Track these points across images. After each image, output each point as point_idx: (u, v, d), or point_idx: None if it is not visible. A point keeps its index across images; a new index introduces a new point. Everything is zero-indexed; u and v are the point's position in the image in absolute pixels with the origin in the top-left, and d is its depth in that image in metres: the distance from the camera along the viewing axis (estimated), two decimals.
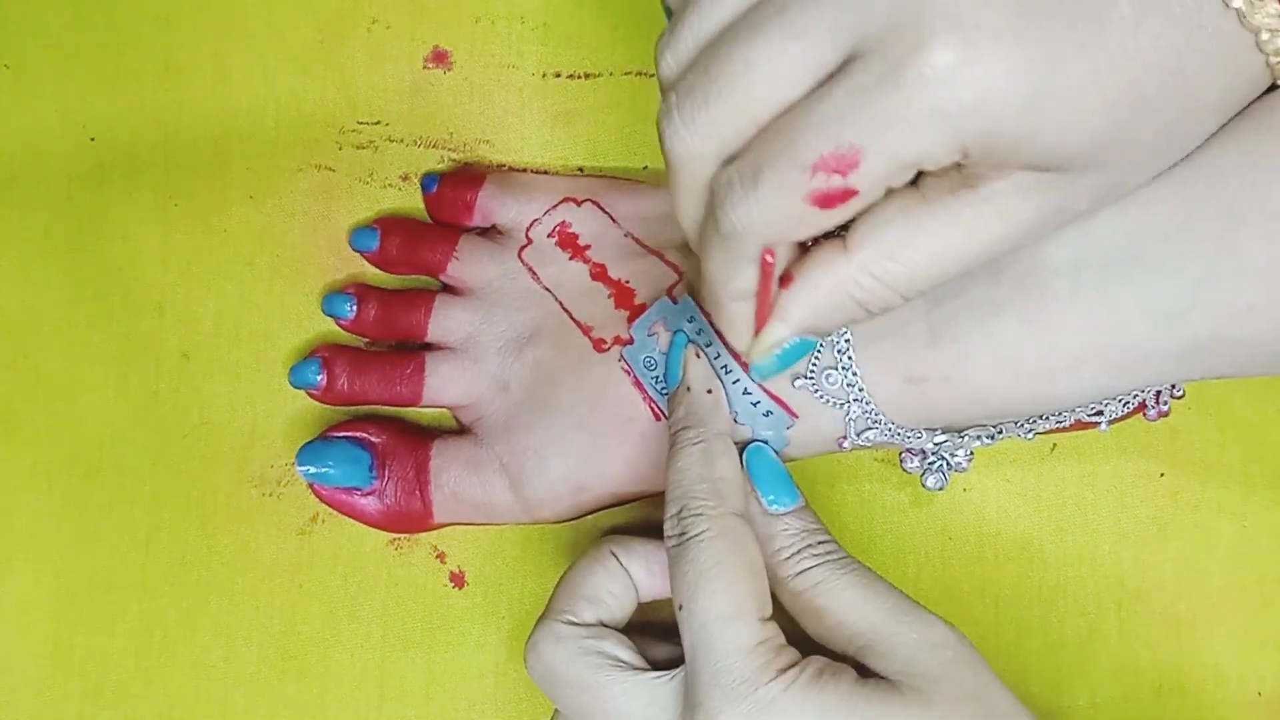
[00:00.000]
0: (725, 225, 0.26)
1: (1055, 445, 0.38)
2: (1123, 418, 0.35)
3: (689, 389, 0.34)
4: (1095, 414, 0.35)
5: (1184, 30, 0.23)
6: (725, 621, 0.29)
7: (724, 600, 0.29)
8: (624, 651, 0.31)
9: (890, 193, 0.26)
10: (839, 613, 0.30)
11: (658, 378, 0.35)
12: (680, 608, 0.30)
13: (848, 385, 0.33)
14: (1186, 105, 0.25)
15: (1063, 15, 0.23)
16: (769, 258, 0.27)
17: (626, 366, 0.36)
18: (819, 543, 0.32)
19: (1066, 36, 0.23)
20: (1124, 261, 0.29)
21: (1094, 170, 0.25)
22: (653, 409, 0.35)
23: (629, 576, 0.33)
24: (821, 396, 0.33)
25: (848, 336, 0.33)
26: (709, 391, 0.34)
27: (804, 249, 0.28)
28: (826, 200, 0.25)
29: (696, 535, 0.30)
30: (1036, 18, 0.23)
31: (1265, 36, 0.24)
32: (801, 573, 0.31)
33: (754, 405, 0.34)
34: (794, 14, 0.24)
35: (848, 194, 0.24)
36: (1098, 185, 0.26)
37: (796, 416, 0.34)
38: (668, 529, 0.31)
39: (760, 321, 0.28)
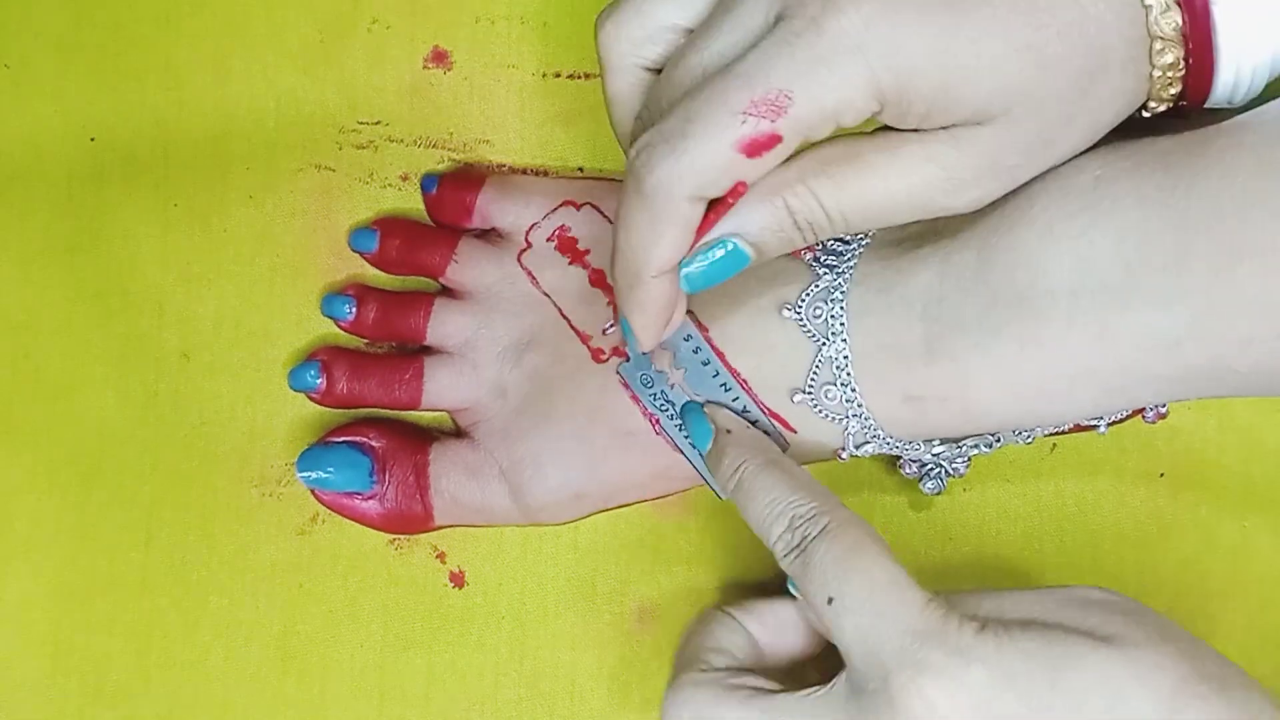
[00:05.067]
0: (648, 183, 0.27)
1: (1055, 445, 0.38)
2: (1121, 420, 0.35)
3: (729, 431, 0.33)
4: (1094, 417, 0.35)
5: None
6: (891, 587, 0.28)
7: (881, 571, 0.28)
8: (767, 683, 0.30)
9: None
10: None
11: (655, 395, 0.35)
12: (830, 601, 0.28)
13: (846, 401, 0.33)
14: (1093, 57, 0.26)
15: None
16: (741, 189, 0.27)
17: (624, 381, 0.35)
18: None
19: None
20: (1122, 290, 0.29)
21: (1014, 122, 0.27)
22: (653, 422, 0.35)
23: (748, 632, 0.32)
24: (820, 412, 0.33)
25: (846, 353, 0.32)
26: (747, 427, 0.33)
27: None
28: (754, 147, 0.26)
29: (821, 530, 0.29)
30: None
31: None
32: None
33: (752, 424, 0.34)
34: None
35: (774, 140, 0.26)
36: (1023, 139, 0.27)
37: (795, 431, 0.34)
38: (783, 546, 0.30)
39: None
